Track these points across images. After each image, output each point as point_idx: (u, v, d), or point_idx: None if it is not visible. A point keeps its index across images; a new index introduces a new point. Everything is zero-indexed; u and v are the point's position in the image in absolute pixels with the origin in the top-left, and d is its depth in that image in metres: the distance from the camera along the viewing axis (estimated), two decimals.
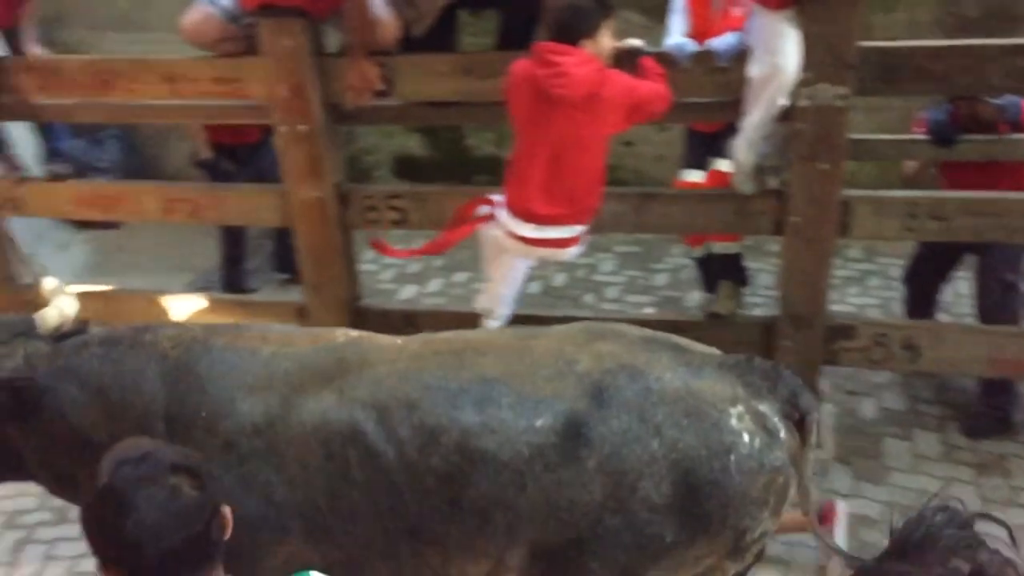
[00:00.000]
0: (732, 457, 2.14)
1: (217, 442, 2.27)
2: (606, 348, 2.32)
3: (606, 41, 3.08)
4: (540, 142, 3.12)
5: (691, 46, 3.37)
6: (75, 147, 4.79)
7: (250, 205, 4.14)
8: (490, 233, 3.36)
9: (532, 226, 3.23)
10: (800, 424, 2.26)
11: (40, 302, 2.75)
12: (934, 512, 1.30)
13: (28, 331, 2.65)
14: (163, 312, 4.51)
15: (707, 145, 3.95)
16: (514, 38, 3.71)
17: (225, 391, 2.33)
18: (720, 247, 4.05)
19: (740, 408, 2.19)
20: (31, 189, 4.30)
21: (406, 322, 3.99)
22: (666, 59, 3.32)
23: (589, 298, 5.04)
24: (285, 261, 4.89)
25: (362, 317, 4.04)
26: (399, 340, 2.51)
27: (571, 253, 3.39)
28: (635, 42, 3.25)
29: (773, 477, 2.18)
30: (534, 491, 2.17)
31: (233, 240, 5.11)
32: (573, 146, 3.10)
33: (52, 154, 4.49)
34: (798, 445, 2.25)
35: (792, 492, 2.26)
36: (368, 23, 3.52)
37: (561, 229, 3.25)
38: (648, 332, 2.45)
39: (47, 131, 4.53)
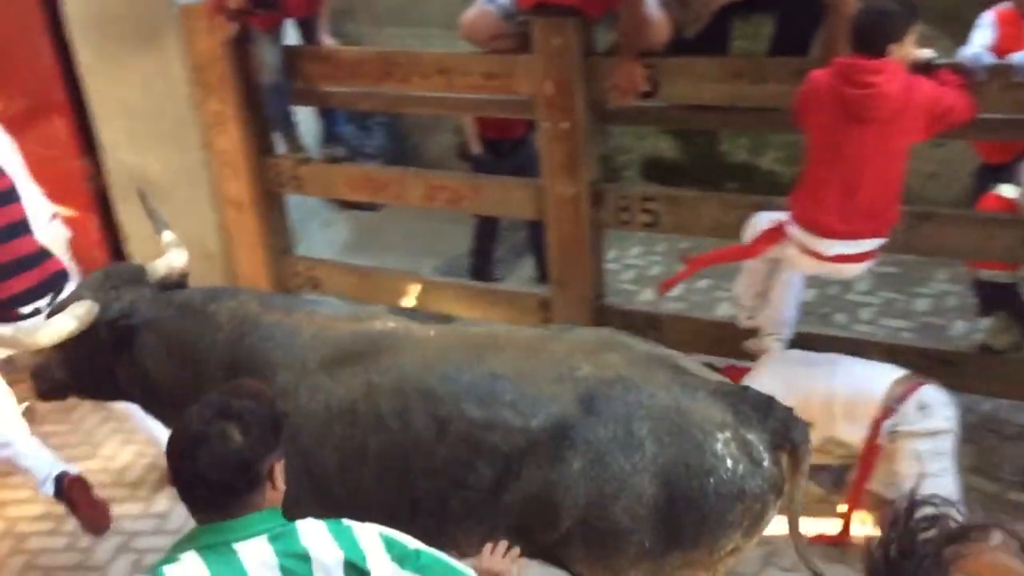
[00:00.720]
0: (712, 480, 2.22)
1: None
2: (612, 359, 2.40)
3: (911, 47, 2.93)
4: (840, 156, 3.01)
5: (988, 58, 3.13)
6: (347, 133, 5.12)
7: (507, 197, 4.27)
8: (780, 251, 3.29)
9: (830, 241, 3.13)
10: (793, 453, 2.32)
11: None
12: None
13: (139, 279, 2.92)
14: (411, 292, 4.78)
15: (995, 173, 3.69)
16: (788, 44, 3.60)
17: (265, 364, 2.58)
18: (991, 275, 3.76)
19: (727, 434, 2.25)
20: (311, 170, 4.65)
21: (648, 324, 3.98)
22: (961, 70, 3.10)
23: (840, 318, 4.79)
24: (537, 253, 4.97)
25: (604, 315, 4.07)
26: (432, 331, 2.62)
27: (863, 268, 3.27)
28: (927, 52, 3.06)
29: (751, 504, 2.26)
30: (527, 484, 2.33)
31: (486, 230, 5.28)
32: (875, 159, 2.98)
33: (330, 138, 4.82)
34: (786, 474, 2.32)
35: (769, 517, 2.33)
36: (642, 24, 3.53)
37: (859, 243, 3.14)
38: (659, 350, 2.53)
39: (327, 116, 4.88)
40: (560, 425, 2.31)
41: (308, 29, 4.56)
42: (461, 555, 2.31)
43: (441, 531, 2.42)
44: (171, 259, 3.05)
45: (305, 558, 1.81)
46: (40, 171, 4.87)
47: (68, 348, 2.77)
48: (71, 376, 2.92)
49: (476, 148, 5.09)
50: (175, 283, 2.97)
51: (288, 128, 4.68)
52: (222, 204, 4.80)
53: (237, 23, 4.28)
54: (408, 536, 1.93)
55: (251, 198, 4.73)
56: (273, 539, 1.81)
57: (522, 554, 2.20)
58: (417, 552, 1.92)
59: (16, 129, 4.84)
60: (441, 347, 2.54)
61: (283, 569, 1.80)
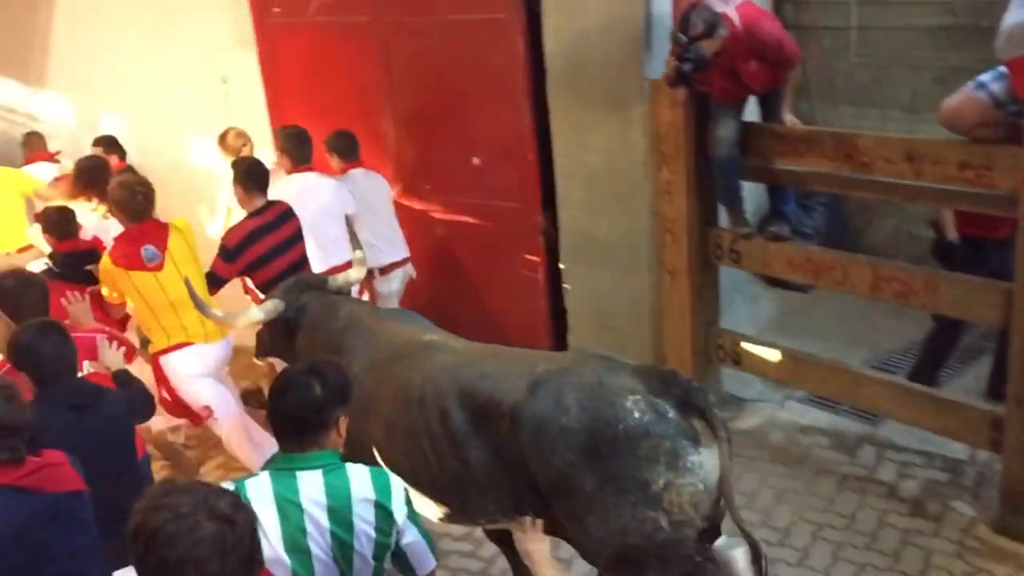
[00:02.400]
0: (621, 426, 2.80)
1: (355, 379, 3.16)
2: (567, 361, 3.10)
3: None
4: None
5: None
6: (788, 211, 5.01)
7: (966, 298, 3.89)
8: None
9: None
10: (703, 417, 2.83)
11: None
12: None
13: (320, 286, 3.96)
14: (838, 382, 4.53)
15: None
16: None
17: (348, 352, 3.47)
18: None
19: (637, 397, 2.84)
20: (752, 245, 4.63)
21: None
22: None
23: None
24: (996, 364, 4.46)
25: None
26: (460, 344, 3.46)
27: None
28: None
29: (658, 441, 2.78)
30: (505, 459, 2.99)
31: (947, 333, 4.82)
32: None
33: (775, 215, 4.76)
34: (707, 435, 2.82)
35: (687, 460, 2.78)
36: None
37: None
38: (622, 360, 3.09)
39: (776, 193, 4.82)
40: (515, 407, 2.95)
41: (769, 105, 4.56)
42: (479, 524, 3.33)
43: (457, 500, 3.17)
44: (350, 274, 4.10)
45: (346, 493, 2.43)
46: (501, 220, 5.41)
47: (268, 327, 3.92)
48: (271, 345, 4.07)
49: (952, 234, 4.66)
50: (346, 291, 4.04)
51: (734, 202, 4.71)
52: (659, 270, 4.93)
53: (683, 87, 4.42)
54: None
55: (687, 266, 4.81)
56: (327, 472, 2.44)
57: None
58: (415, 512, 2.55)
59: (483, 178, 5.42)
60: (460, 357, 3.31)
61: (328, 495, 2.41)
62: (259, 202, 4.76)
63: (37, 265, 4.90)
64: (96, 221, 5.18)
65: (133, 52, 6.82)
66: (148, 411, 3.73)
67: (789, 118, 4.43)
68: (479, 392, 3.05)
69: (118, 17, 6.18)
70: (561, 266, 5.33)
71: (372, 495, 2.43)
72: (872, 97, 5.74)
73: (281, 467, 2.44)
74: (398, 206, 5.77)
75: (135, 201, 4.41)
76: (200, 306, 3.92)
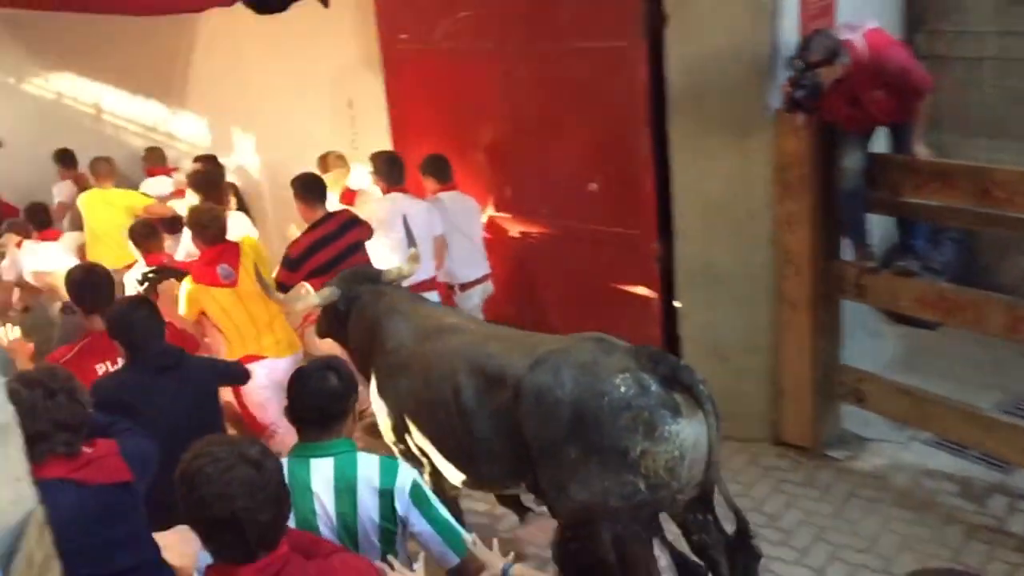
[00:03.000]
0: (606, 399, 3.12)
1: (388, 357, 3.88)
2: (568, 342, 3.40)
3: None
4: None
5: None
6: (918, 246, 4.83)
7: None
8: None
9: None
10: (689, 393, 3.14)
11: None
12: None
13: (375, 278, 4.31)
14: (966, 425, 4.33)
15: None
16: None
17: (385, 334, 3.95)
18: None
19: (626, 374, 3.14)
20: (878, 279, 4.49)
21: None
22: None
23: None
24: None
25: None
26: (475, 326, 3.90)
27: None
28: None
29: (638, 412, 3.09)
30: (506, 429, 3.36)
31: None
32: None
33: (905, 250, 4.60)
34: (689, 408, 3.13)
35: (664, 430, 3.08)
36: None
37: None
38: (618, 342, 3.39)
39: (905, 227, 4.66)
40: (518, 381, 3.32)
41: (899, 136, 4.42)
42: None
43: (471, 468, 3.57)
44: (403, 267, 4.44)
45: (353, 479, 2.65)
46: (616, 247, 5.38)
47: (325, 311, 4.34)
48: (327, 327, 4.42)
49: None
50: (397, 283, 4.36)
51: (860, 235, 4.57)
52: (778, 302, 4.82)
53: (800, 113, 4.34)
54: (433, 493, 2.75)
55: (808, 299, 4.69)
56: (338, 459, 2.70)
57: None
58: (431, 505, 2.69)
59: (599, 205, 5.41)
60: (472, 337, 3.70)
61: (336, 480, 2.66)
62: (320, 213, 5.06)
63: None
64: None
65: (265, 76, 7.12)
66: (238, 376, 4.19)
67: (921, 150, 4.29)
68: (487, 368, 3.46)
69: (252, 44, 6.46)
70: (676, 303, 5.26)
71: (377, 483, 2.66)
72: (1008, 130, 5.49)
73: (297, 455, 2.73)
74: (512, 228, 5.88)
75: (210, 227, 4.77)
76: (266, 289, 4.44)
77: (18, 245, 6.45)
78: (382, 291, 4.18)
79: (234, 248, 4.78)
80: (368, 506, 2.65)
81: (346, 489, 2.65)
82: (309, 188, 5.10)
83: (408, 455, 3.80)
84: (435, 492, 2.88)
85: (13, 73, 8.66)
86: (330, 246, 4.93)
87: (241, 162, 7.78)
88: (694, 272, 5.10)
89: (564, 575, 2.18)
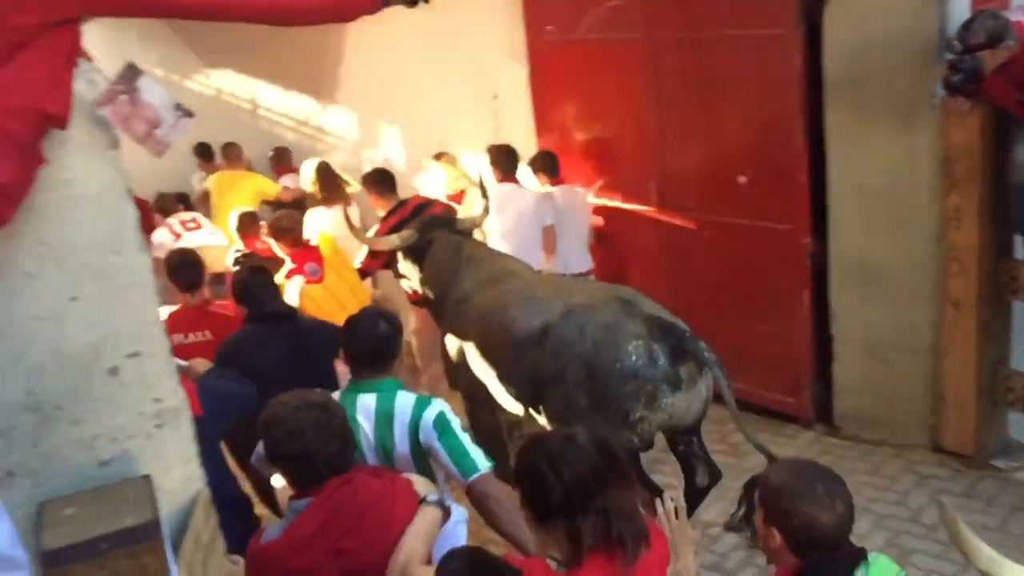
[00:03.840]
0: (617, 364, 3.66)
1: (458, 295, 4.48)
2: (599, 296, 3.92)
3: None
4: None
5: None
6: None
7: None
8: None
9: None
10: (695, 359, 3.71)
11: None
12: None
13: (450, 224, 4.93)
14: None
15: None
16: None
17: (459, 277, 4.54)
18: None
19: (639, 342, 3.67)
20: None
21: None
22: None
23: None
24: None
25: None
26: (529, 274, 4.49)
27: None
28: None
29: (643, 383, 3.66)
30: (531, 360, 3.88)
31: None
32: None
33: None
34: (689, 379, 3.73)
35: (662, 402, 3.69)
36: None
37: None
38: (641, 303, 3.86)
39: None
40: (548, 325, 3.87)
41: None
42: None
43: (513, 392, 4.05)
44: (475, 216, 5.08)
45: (390, 410, 3.03)
46: (767, 241, 5.22)
47: (403, 252, 4.93)
48: (404, 270, 5.01)
49: None
50: (469, 230, 4.95)
51: None
52: (941, 300, 4.56)
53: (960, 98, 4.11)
54: (461, 424, 3.04)
55: (975, 299, 4.42)
56: (381, 395, 3.06)
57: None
58: (452, 433, 2.98)
59: (749, 198, 5.25)
60: (521, 283, 4.29)
61: (376, 416, 3.03)
62: (392, 202, 5.65)
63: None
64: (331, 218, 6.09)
65: (411, 70, 7.25)
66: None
67: None
68: (528, 307, 4.02)
69: (400, 39, 6.56)
70: (830, 302, 5.04)
71: (409, 416, 3.01)
72: None
73: (347, 391, 3.12)
74: (657, 221, 5.80)
75: (292, 232, 5.33)
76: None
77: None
78: (454, 241, 4.76)
79: (315, 249, 5.32)
80: (402, 437, 3.03)
81: (385, 421, 3.04)
82: (378, 181, 5.74)
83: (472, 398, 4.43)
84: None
85: (177, 70, 9.12)
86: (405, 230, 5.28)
87: (387, 155, 7.96)
88: (849, 269, 4.88)
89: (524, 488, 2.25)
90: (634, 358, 3.63)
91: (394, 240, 4.90)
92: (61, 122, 1.95)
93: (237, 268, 5.30)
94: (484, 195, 5.17)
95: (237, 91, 9.12)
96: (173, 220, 6.70)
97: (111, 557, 1.99)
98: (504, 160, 5.88)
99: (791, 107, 4.90)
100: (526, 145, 6.50)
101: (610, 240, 6.18)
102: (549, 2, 6.09)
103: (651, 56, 5.51)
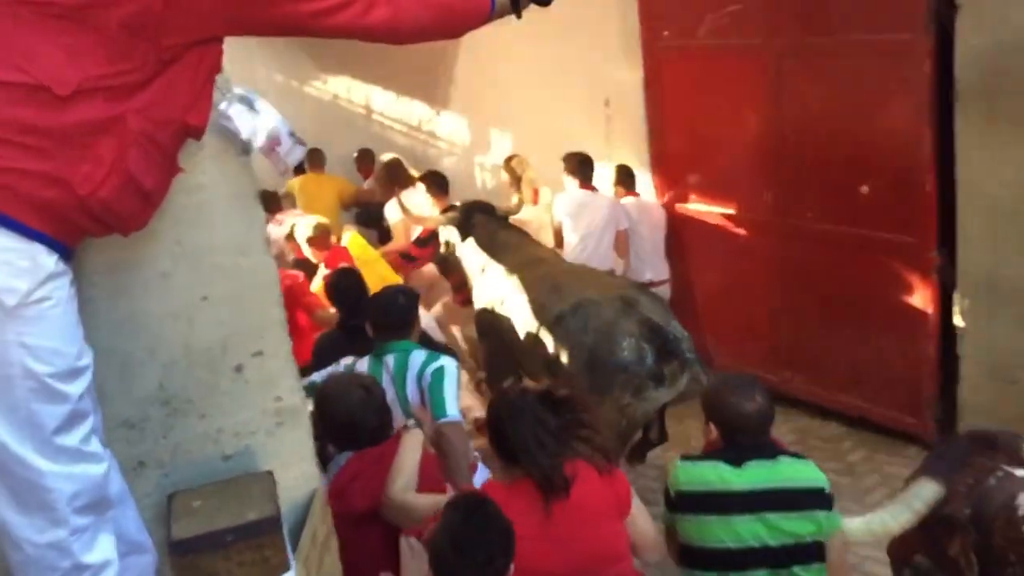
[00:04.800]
0: (612, 358, 4.16)
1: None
2: (610, 292, 4.48)
3: None
4: None
5: None
6: None
7: None
8: None
9: None
10: (680, 361, 4.18)
11: None
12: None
13: (491, 211, 5.62)
14: None
15: None
16: None
17: (503, 261, 5.20)
18: None
19: (632, 339, 4.16)
20: None
21: None
22: None
23: None
24: None
25: None
26: (555, 261, 5.28)
27: None
28: None
29: (631, 377, 4.14)
30: (550, 342, 4.49)
31: None
32: None
33: None
34: (672, 377, 4.18)
35: (647, 394, 4.16)
36: None
37: None
38: (639, 302, 4.37)
39: None
40: (561, 314, 4.44)
41: None
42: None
43: (536, 365, 4.66)
44: (511, 206, 5.85)
45: (404, 366, 3.57)
46: (889, 254, 5.03)
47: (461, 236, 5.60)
48: (445, 254, 5.80)
49: None
50: (506, 217, 5.65)
51: None
52: None
53: None
54: (456, 381, 3.50)
55: None
56: (397, 355, 3.61)
57: None
58: (441, 381, 3.42)
59: (871, 208, 5.07)
60: (554, 269, 4.98)
61: (394, 374, 3.56)
62: (445, 203, 6.30)
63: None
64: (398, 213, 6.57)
65: (523, 76, 7.28)
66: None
67: None
68: (550, 293, 4.63)
69: (513, 45, 6.58)
70: (956, 319, 4.82)
71: (418, 367, 3.52)
72: None
73: (374, 355, 3.68)
74: (771, 230, 5.66)
75: (318, 237, 5.87)
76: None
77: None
78: (492, 228, 5.46)
79: (343, 249, 5.95)
80: (413, 389, 3.52)
81: (400, 377, 3.56)
82: (435, 182, 6.51)
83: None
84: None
85: (296, 76, 9.42)
86: None
87: (497, 161, 8.01)
88: (979, 285, 4.66)
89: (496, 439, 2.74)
90: (626, 353, 4.15)
91: (440, 219, 5.77)
92: (199, 133, 2.02)
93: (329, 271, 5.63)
94: (518, 189, 6.16)
95: (352, 96, 9.35)
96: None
97: (235, 549, 2.05)
98: (580, 168, 6.17)
99: (919, 115, 4.71)
100: (638, 151, 6.45)
101: (719, 248, 6.07)
102: (666, 7, 6.02)
103: (771, 62, 5.38)
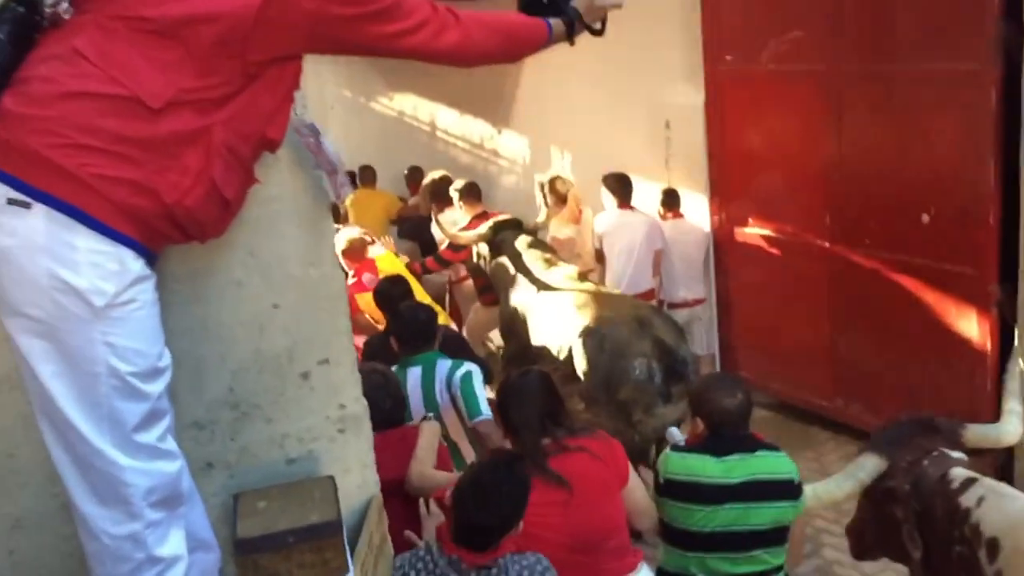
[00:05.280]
0: (624, 375, 4.55)
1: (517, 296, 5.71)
2: (618, 315, 4.83)
3: None
4: None
5: None
6: None
7: None
8: None
9: None
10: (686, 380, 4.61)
11: None
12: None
13: (519, 227, 6.10)
14: None
15: None
16: None
17: (510, 283, 5.77)
18: None
19: (643, 359, 4.56)
20: None
21: None
22: None
23: None
24: None
25: None
26: (583, 288, 5.40)
27: None
28: None
29: (640, 394, 4.54)
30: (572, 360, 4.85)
31: None
32: None
33: None
34: (679, 395, 4.54)
35: (655, 411, 4.58)
36: None
37: None
38: (653, 323, 4.77)
39: None
40: (583, 332, 4.78)
41: None
42: None
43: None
44: (538, 222, 6.26)
45: (432, 376, 3.88)
46: (948, 286, 4.98)
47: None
48: (477, 266, 6.35)
49: None
50: (533, 232, 6.09)
51: None
52: None
53: None
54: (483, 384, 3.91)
55: None
56: (424, 366, 3.92)
57: None
58: (471, 384, 3.81)
59: (931, 238, 5.01)
60: (574, 296, 5.24)
61: (422, 383, 3.88)
62: (479, 209, 6.67)
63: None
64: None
65: (585, 96, 7.36)
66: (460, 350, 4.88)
67: None
68: (576, 315, 4.94)
69: (576, 65, 6.65)
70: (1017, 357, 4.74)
71: (445, 373, 3.87)
72: None
73: (399, 366, 3.93)
74: (829, 256, 5.65)
75: (349, 250, 6.07)
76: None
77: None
78: (515, 247, 5.85)
79: (372, 261, 6.20)
80: (442, 392, 3.85)
81: (428, 384, 3.86)
82: (467, 191, 6.81)
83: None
84: None
85: (364, 93, 9.62)
86: None
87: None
88: None
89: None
90: (637, 372, 4.54)
91: (471, 236, 6.19)
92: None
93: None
94: (557, 207, 6.59)
95: (417, 114, 9.51)
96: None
97: (297, 550, 2.12)
98: (620, 188, 6.40)
99: (983, 145, 4.68)
100: (696, 174, 6.46)
101: (775, 272, 6.05)
102: (730, 31, 6.05)
103: (835, 88, 5.38)
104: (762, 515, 3.01)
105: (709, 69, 6.23)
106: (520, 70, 8.01)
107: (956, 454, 2.94)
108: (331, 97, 9.20)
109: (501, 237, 5.97)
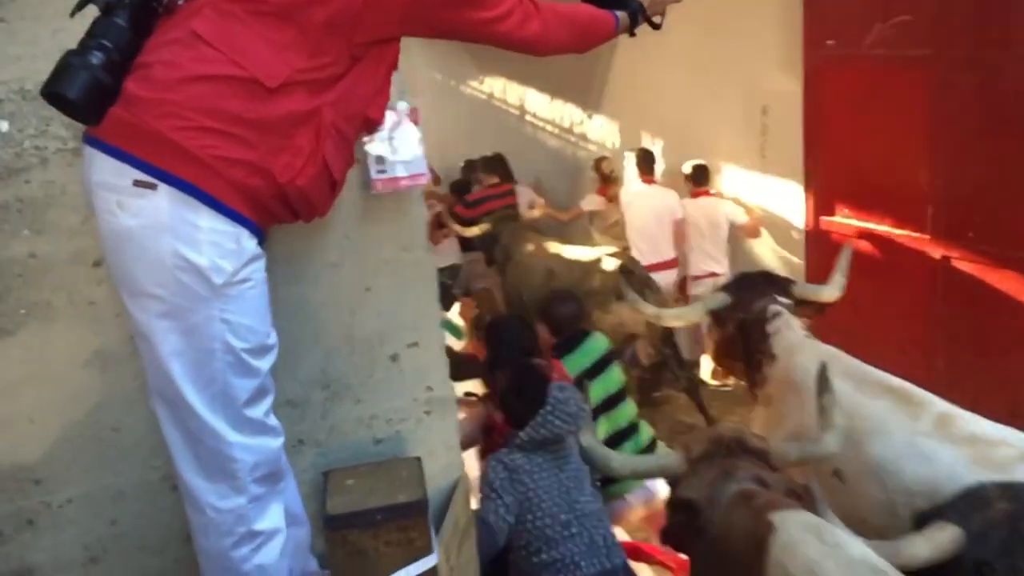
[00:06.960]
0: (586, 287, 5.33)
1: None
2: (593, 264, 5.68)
3: None
4: None
5: None
6: None
7: None
8: None
9: None
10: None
11: None
12: None
13: (517, 218, 7.17)
14: None
15: None
16: None
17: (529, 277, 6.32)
18: None
19: (600, 274, 5.49)
20: None
21: None
22: None
23: None
24: None
25: None
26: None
27: None
28: None
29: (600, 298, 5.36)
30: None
31: None
32: None
33: None
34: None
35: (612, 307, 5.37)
36: None
37: None
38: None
39: None
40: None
41: None
42: None
43: None
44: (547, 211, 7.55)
45: None
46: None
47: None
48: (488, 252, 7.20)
49: None
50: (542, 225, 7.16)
51: None
52: None
53: None
54: None
55: None
56: None
57: None
58: None
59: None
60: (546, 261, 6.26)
61: None
62: (495, 179, 7.68)
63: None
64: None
65: (678, 81, 7.24)
66: None
67: None
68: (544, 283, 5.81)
69: (669, 49, 6.55)
70: None
71: None
72: None
73: None
74: (934, 249, 5.46)
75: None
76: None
77: None
78: (525, 232, 6.69)
79: None
80: None
81: None
82: (493, 165, 7.80)
83: None
84: None
85: (454, 76, 9.66)
86: (495, 199, 7.48)
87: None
88: None
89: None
90: (596, 284, 5.51)
91: (474, 230, 6.97)
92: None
93: None
94: (605, 189, 7.40)
95: (507, 97, 9.51)
96: None
97: (384, 528, 2.16)
98: (644, 162, 6.94)
99: None
100: (792, 161, 6.30)
101: (873, 265, 5.86)
102: (832, 16, 5.85)
103: (940, 75, 5.17)
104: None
105: (808, 54, 6.05)
106: (612, 54, 7.94)
107: (785, 300, 3.68)
108: (422, 80, 9.27)
109: (502, 228, 6.81)
